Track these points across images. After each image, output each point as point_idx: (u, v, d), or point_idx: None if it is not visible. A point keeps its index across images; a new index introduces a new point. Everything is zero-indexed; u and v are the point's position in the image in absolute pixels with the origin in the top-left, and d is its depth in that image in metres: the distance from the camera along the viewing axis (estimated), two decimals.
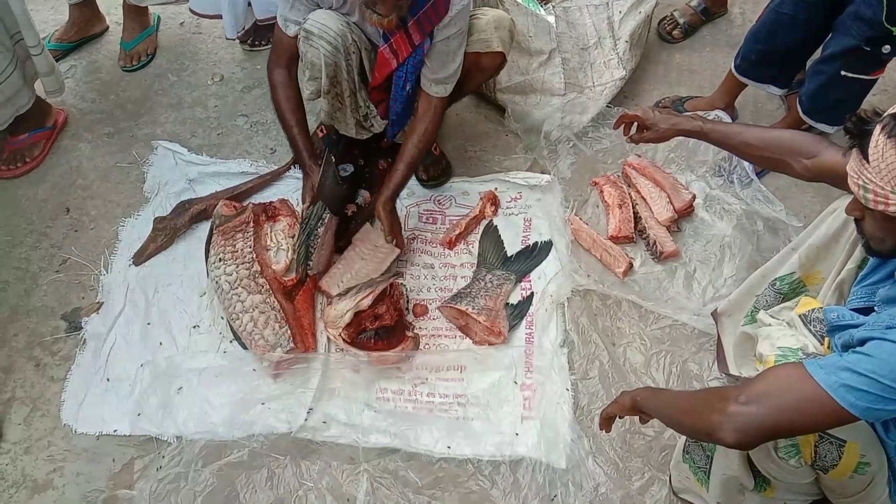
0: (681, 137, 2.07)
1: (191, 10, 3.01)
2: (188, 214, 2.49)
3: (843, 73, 2.31)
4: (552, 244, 2.44)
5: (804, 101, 2.48)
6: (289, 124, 2.34)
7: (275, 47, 2.38)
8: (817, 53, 2.45)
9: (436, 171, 2.62)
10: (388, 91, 2.35)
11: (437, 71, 2.26)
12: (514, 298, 2.34)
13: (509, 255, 2.44)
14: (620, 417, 1.75)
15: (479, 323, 2.20)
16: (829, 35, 2.35)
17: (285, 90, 2.34)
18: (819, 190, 2.51)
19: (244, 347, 2.19)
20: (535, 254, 2.44)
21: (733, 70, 2.62)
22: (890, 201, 1.30)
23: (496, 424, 2.07)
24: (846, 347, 1.42)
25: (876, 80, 2.37)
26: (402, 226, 2.50)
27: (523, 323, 2.28)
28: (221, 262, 2.25)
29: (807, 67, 2.51)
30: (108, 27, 3.18)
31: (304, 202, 2.37)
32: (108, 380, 2.18)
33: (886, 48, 2.20)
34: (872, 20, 2.15)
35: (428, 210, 2.58)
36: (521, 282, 2.38)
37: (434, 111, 2.31)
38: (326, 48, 2.17)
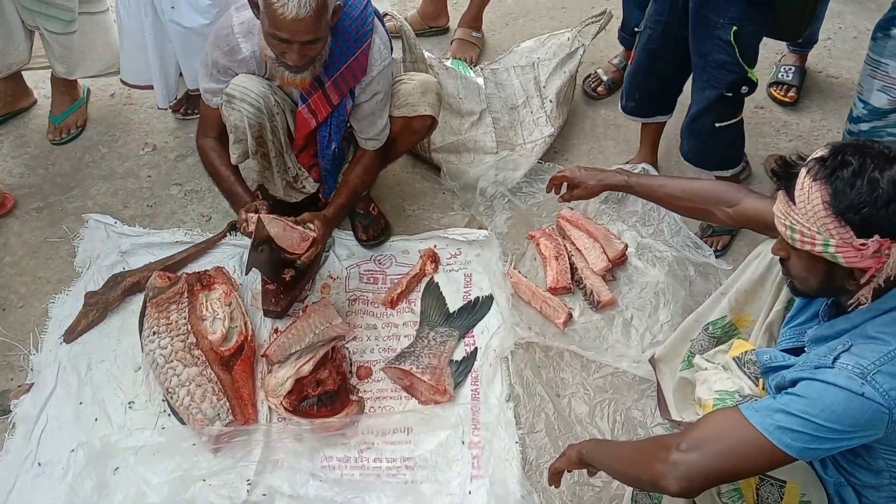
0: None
1: (122, 81, 2.99)
2: (121, 288, 2.43)
3: (717, 125, 2.42)
4: (493, 298, 2.46)
5: (693, 158, 2.56)
6: (223, 175, 2.33)
7: (201, 122, 2.39)
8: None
9: (375, 231, 2.63)
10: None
11: (364, 131, 2.34)
12: (459, 355, 2.34)
13: (451, 311, 2.45)
14: (569, 471, 1.76)
15: (424, 382, 2.19)
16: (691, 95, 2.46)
17: (216, 150, 2.35)
18: (745, 233, 2.60)
19: (182, 422, 2.12)
20: (476, 309, 2.45)
21: (622, 111, 2.72)
22: (816, 241, 1.34)
23: (446, 486, 2.05)
24: (779, 388, 1.46)
25: (742, 119, 2.48)
26: (344, 287, 2.50)
27: (468, 379, 2.28)
28: (156, 336, 2.20)
29: (680, 130, 2.58)
30: (35, 101, 3.12)
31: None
32: (39, 464, 2.08)
33: (744, 89, 2.33)
34: (729, 63, 2.26)
35: (368, 270, 2.57)
36: (464, 337, 2.39)
37: (372, 156, 2.40)
38: (249, 110, 2.18)
